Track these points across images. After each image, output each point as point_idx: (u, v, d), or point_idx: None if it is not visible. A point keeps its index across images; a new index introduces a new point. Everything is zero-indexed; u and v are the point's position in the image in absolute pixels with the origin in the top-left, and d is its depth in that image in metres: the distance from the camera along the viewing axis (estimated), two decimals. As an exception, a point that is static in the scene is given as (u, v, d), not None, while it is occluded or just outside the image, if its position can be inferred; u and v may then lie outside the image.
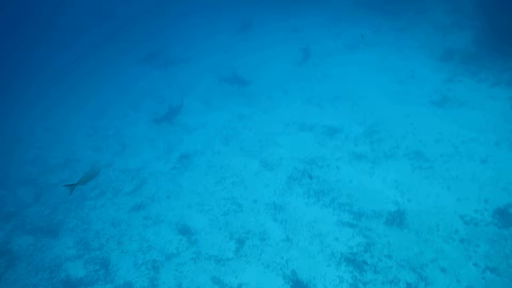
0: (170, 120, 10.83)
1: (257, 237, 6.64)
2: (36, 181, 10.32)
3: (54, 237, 7.97)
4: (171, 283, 6.18)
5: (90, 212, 8.50)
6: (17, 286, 6.85)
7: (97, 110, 14.13)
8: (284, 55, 14.31)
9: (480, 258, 5.36)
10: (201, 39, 19.39)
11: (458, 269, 5.27)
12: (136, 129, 11.84)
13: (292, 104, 10.90)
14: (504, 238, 5.58)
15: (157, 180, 8.99)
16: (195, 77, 14.66)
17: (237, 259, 6.30)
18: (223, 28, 19.45)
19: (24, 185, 10.28)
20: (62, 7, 27.42)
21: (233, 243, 6.64)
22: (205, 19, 21.92)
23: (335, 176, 7.67)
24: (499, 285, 4.99)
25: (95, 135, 12.44)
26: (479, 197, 6.36)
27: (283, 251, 6.22)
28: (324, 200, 7.11)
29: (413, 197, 6.70)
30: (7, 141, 13.55)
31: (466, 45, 11.70)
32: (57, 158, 11.39)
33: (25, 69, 21.63)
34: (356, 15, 16.63)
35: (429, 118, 8.79)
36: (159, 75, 15.85)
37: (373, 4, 16.81)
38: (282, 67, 13.59)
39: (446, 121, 8.56)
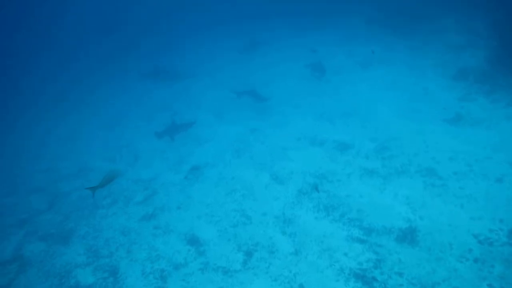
0: (172, 136, 11.05)
1: (265, 249, 6.60)
2: (49, 189, 10.50)
3: (65, 244, 8.05)
4: (178, 293, 6.15)
5: (102, 220, 8.58)
6: (27, 291, 6.91)
7: (109, 122, 14.41)
8: (295, 71, 14.49)
9: (495, 279, 5.20)
10: (209, 54, 19.81)
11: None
12: (148, 141, 12.02)
13: (304, 119, 10.97)
14: (520, 259, 5.42)
15: (168, 190, 9.07)
16: (206, 91, 14.91)
17: (244, 271, 6.25)
18: (231, 45, 19.84)
19: (37, 193, 10.46)
20: (68, 20, 28.40)
21: (241, 255, 6.60)
22: (214, 35, 22.43)
23: (345, 191, 7.62)
24: (514, 307, 4.83)
25: (107, 145, 12.65)
26: (494, 217, 6.23)
27: (291, 265, 6.16)
28: (334, 214, 7.05)
29: (425, 214, 6.60)
30: (18, 151, 13.90)
31: (480, 64, 11.68)
32: (70, 168, 11.60)
33: (33, 79, 22.29)
34: (368, 34, 16.84)
35: (442, 135, 8.73)
36: (170, 89, 16.18)
37: (385, 24, 17.03)
38: (293, 83, 13.75)
39: (460, 139, 8.48)
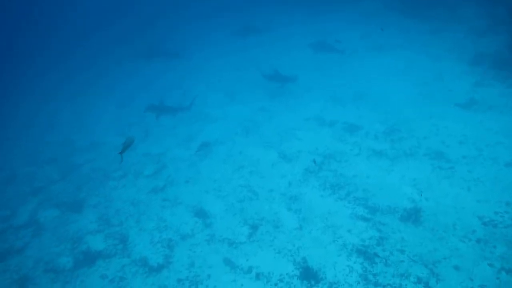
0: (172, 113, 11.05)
1: (270, 224, 6.74)
2: (63, 161, 10.82)
3: (77, 212, 8.35)
4: (184, 261, 6.37)
5: (112, 192, 8.84)
6: (42, 253, 7.24)
7: (122, 100, 14.58)
8: (308, 54, 14.34)
9: (496, 259, 5.24)
10: (219, 37, 19.63)
11: (472, 268, 5.18)
12: (160, 118, 12.15)
13: (314, 101, 10.93)
14: (524, 241, 5.43)
15: (177, 165, 9.25)
16: (218, 72, 14.92)
17: (249, 243, 6.41)
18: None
19: (52, 164, 10.80)
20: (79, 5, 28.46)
21: (247, 228, 6.76)
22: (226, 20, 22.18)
23: (352, 171, 7.66)
24: (514, 287, 4.88)
25: (119, 122, 12.86)
26: (500, 200, 6.21)
27: (295, 239, 6.29)
28: (339, 193, 7.12)
29: (431, 196, 6.61)
30: (34, 122, 14.25)
31: (499, 50, 11.38)
32: (83, 141, 11.89)
33: (51, 55, 22.56)
34: (385, 18, 16.44)
35: (453, 120, 8.62)
36: (181, 69, 16.21)
37: (403, 8, 16.59)
38: (305, 65, 13.63)
39: (472, 123, 8.37)
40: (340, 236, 6.16)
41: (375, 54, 13.40)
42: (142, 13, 26.49)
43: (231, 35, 17.96)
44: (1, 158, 11.65)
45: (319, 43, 14.19)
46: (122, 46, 21.44)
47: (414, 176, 7.18)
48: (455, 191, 6.60)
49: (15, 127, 14.16)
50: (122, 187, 8.91)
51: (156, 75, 16.35)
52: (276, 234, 6.49)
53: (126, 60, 18.91)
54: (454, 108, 9.15)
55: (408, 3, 16.71)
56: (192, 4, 25.44)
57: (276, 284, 5.61)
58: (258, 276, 5.79)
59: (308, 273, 5.65)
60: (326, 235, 6.24)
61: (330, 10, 19.21)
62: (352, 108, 10.10)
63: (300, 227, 6.52)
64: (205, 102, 12.26)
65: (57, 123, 13.74)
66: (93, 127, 12.67)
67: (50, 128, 13.48)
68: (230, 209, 7.35)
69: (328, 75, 12.54)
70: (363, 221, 6.37)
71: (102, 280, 6.43)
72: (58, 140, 12.26)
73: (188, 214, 7.50)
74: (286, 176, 7.91)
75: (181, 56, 16.77)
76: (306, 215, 6.75)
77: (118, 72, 18.13)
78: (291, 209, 6.98)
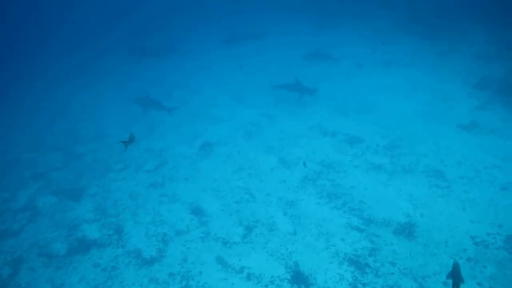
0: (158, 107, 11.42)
1: (265, 227, 6.81)
2: (66, 149, 10.95)
3: (76, 200, 8.44)
4: (177, 256, 6.44)
5: (112, 183, 8.94)
6: (37, 238, 7.32)
7: (130, 95, 14.69)
8: (314, 64, 14.52)
9: (485, 278, 5.30)
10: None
11: (462, 286, 5.22)
12: (166, 115, 12.29)
13: (318, 110, 11.06)
14: (514, 264, 5.49)
15: (178, 162, 9.35)
16: (226, 73, 15.09)
17: (243, 244, 6.49)
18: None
19: (55, 151, 10.93)
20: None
21: (242, 229, 6.84)
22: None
23: (350, 182, 7.75)
24: (501, 308, 4.93)
25: (125, 115, 12.99)
26: (493, 222, 6.28)
27: (288, 243, 6.36)
28: (336, 202, 7.20)
29: (426, 213, 6.69)
30: (42, 108, 14.41)
31: (505, 76, 11.50)
32: (88, 131, 12.03)
33: (62, 47, 22.81)
34: (395, 37, 16.64)
35: (454, 140, 8.72)
36: (190, 68, 16.42)
37: (412, 28, 16.82)
38: (313, 74, 13.79)
39: (471, 145, 8.47)
40: (333, 244, 6.23)
41: (383, 70, 13.56)
42: (154, 11, 26.83)
43: (244, 38, 18.19)
44: (6, 142, 11.79)
45: (327, 55, 14.40)
46: (136, 42, 21.70)
47: (411, 192, 7.26)
48: (450, 209, 6.67)
49: (23, 112, 14.32)
50: (122, 180, 9.01)
51: (165, 73, 16.53)
52: (270, 237, 6.56)
53: (138, 56, 19.12)
54: (455, 129, 9.25)
55: (418, 24, 16.95)
56: (206, 6, 25.87)
57: (266, 286, 5.67)
58: (249, 277, 5.85)
59: (298, 278, 5.71)
60: (319, 242, 6.31)
61: (340, 25, 19.44)
62: (356, 121, 10.22)
63: (294, 232, 6.59)
64: (212, 103, 12.40)
65: (64, 111, 13.90)
66: (99, 118, 12.82)
67: (58, 115, 13.63)
68: (226, 209, 7.44)
69: (335, 86, 12.67)
70: (357, 231, 6.44)
71: (94, 268, 6.51)
72: (64, 128, 12.41)
73: (185, 211, 7.59)
74: (284, 182, 8.00)
75: (190, 56, 17.00)
76: (301, 221, 6.83)
77: (130, 66, 18.32)
78: (287, 214, 7.06)
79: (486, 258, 5.61)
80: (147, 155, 9.93)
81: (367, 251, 6.03)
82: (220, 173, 8.60)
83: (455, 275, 4.45)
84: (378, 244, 6.13)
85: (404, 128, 9.45)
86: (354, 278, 5.59)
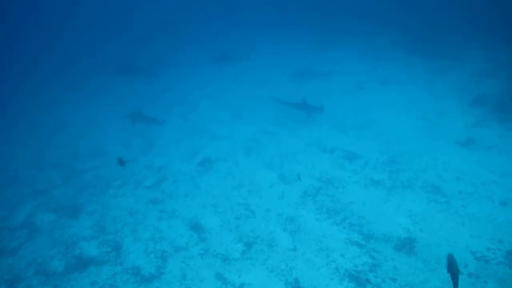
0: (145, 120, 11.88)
1: (265, 243, 6.78)
2: (66, 165, 10.96)
3: (74, 217, 8.41)
4: (177, 273, 6.38)
5: (111, 200, 8.93)
6: (35, 255, 7.25)
7: (130, 111, 14.81)
8: (311, 81, 14.75)
9: (487, 294, 5.27)
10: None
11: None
12: (165, 131, 12.40)
13: (317, 127, 11.16)
14: (515, 279, 5.46)
15: (177, 178, 9.37)
16: (225, 91, 15.27)
17: (243, 260, 6.44)
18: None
19: (55, 168, 10.93)
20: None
21: (241, 245, 6.81)
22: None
23: (349, 197, 7.76)
24: (503, 324, 4.88)
25: (125, 131, 13.05)
26: (493, 237, 6.28)
27: (288, 259, 6.32)
28: (335, 218, 7.20)
29: (425, 228, 6.69)
30: (42, 124, 14.46)
31: (500, 94, 11.69)
32: (87, 147, 12.06)
33: (61, 56, 23.02)
34: (392, 54, 16.97)
35: (452, 156, 8.79)
36: (190, 85, 16.64)
37: (409, 46, 17.19)
38: (312, 91, 13.98)
39: (469, 161, 8.53)
40: (334, 260, 6.20)
41: (380, 87, 13.77)
42: (146, 29, 27.26)
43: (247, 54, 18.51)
44: (4, 158, 11.79)
45: (327, 72, 14.69)
46: (134, 58, 21.99)
47: (410, 207, 7.27)
48: (450, 224, 6.67)
49: (21, 128, 14.37)
50: (121, 196, 9.00)
51: (164, 89, 16.70)
52: (270, 253, 6.53)
53: (134, 73, 19.33)
54: (453, 145, 9.35)
55: (415, 41, 17.32)
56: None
57: (266, 303, 5.61)
58: (248, 294, 5.79)
59: (299, 294, 5.66)
60: (319, 257, 6.28)
61: (338, 42, 19.82)
62: (354, 137, 10.31)
63: (294, 248, 6.56)
64: (211, 119, 12.52)
65: (63, 127, 13.95)
66: (98, 134, 12.87)
67: (57, 130, 13.68)
68: (226, 225, 7.42)
69: (333, 103, 12.83)
70: (357, 247, 6.42)
71: (92, 286, 6.43)
72: (63, 144, 12.44)
73: (184, 227, 7.56)
74: (283, 198, 8.01)
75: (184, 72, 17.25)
76: (301, 237, 6.81)
77: (127, 83, 18.49)
78: (287, 230, 7.04)
79: (487, 274, 5.58)
80: (147, 172, 9.96)
81: (368, 266, 6.00)
82: (219, 189, 8.61)
83: (452, 268, 4.59)
84: (379, 259, 6.11)
85: (402, 144, 9.53)
86: (355, 294, 5.54)
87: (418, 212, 7.08)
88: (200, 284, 6.08)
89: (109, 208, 8.59)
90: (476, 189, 7.53)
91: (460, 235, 6.39)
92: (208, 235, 7.22)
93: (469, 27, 16.78)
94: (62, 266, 6.91)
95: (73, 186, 9.76)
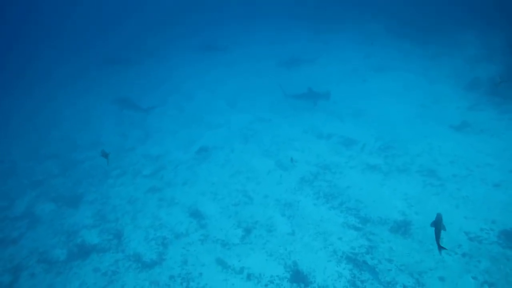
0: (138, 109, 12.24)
1: (264, 228, 6.90)
2: (64, 157, 10.98)
3: (74, 207, 8.47)
4: (177, 259, 6.49)
5: (110, 189, 8.99)
6: (37, 244, 7.33)
7: (127, 103, 14.75)
8: (307, 68, 14.75)
9: (480, 272, 5.43)
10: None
11: (457, 279, 5.36)
12: (162, 121, 12.42)
13: (313, 114, 11.22)
14: (507, 257, 5.62)
15: (175, 167, 9.43)
16: (222, 79, 15.24)
17: (242, 245, 6.56)
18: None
19: (53, 159, 10.95)
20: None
21: (240, 231, 6.92)
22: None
23: (346, 182, 7.88)
24: (496, 300, 5.05)
25: (121, 122, 13.05)
26: (486, 218, 6.42)
27: (287, 243, 6.45)
28: (332, 202, 7.32)
29: (420, 210, 6.83)
30: (39, 117, 14.40)
31: (494, 78, 11.75)
32: (84, 138, 12.07)
33: (61, 49, 22.81)
34: (386, 41, 16.97)
35: (446, 140, 8.91)
36: (189, 74, 16.57)
37: (404, 32, 17.15)
38: (309, 79, 13.99)
39: (464, 145, 8.66)
40: (331, 243, 6.33)
41: (376, 74, 13.81)
42: (150, 18, 27.00)
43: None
44: (3, 151, 11.77)
45: (322, 61, 14.69)
46: (129, 52, 21.82)
47: (405, 191, 7.40)
48: (444, 207, 6.81)
49: (19, 120, 14.30)
50: (120, 185, 9.06)
51: (162, 79, 16.64)
52: (269, 238, 6.65)
53: (133, 62, 19.20)
54: (447, 129, 9.46)
55: (409, 28, 17.28)
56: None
57: (266, 285, 5.74)
58: (249, 277, 5.93)
59: (298, 276, 5.80)
60: (317, 241, 6.41)
61: (334, 30, 19.74)
62: (350, 123, 10.40)
63: (292, 233, 6.69)
64: (208, 109, 12.54)
65: (60, 119, 13.91)
66: (95, 126, 12.86)
67: (54, 123, 13.64)
68: (225, 212, 7.52)
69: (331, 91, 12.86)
70: (354, 230, 6.55)
71: (94, 273, 6.53)
72: (60, 136, 12.43)
73: (184, 214, 7.65)
74: (281, 184, 8.11)
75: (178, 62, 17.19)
76: (299, 222, 6.93)
77: (122, 75, 18.39)
78: (285, 215, 7.16)
79: (480, 253, 5.74)
80: (145, 161, 10.01)
81: (365, 249, 6.14)
82: (218, 177, 8.69)
83: (437, 224, 5.13)
84: (375, 242, 6.25)
85: (398, 130, 9.63)
86: (353, 275, 5.69)
87: (413, 196, 7.21)
88: (201, 269, 6.20)
89: (109, 197, 8.66)
90: (471, 172, 7.66)
91: (455, 217, 6.53)
92: (207, 222, 7.33)
93: (463, 13, 16.75)
94: (65, 255, 7.00)
95: (71, 176, 9.80)
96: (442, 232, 6.21)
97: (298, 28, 20.60)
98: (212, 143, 10.28)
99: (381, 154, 8.75)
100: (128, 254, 6.79)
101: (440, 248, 4.85)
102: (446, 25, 16.41)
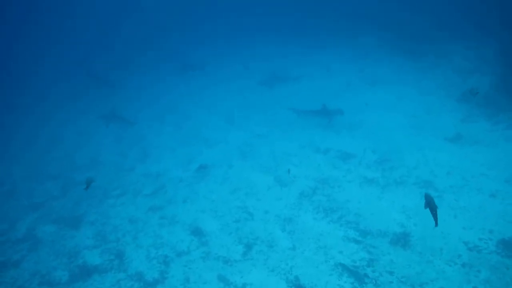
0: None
1: (264, 243, 6.95)
2: (64, 177, 11.02)
3: (75, 228, 8.49)
4: (180, 277, 6.51)
5: (110, 209, 9.03)
6: (38, 267, 7.33)
7: (121, 123, 14.86)
8: (303, 83, 15.03)
9: (480, 282, 5.48)
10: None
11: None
12: (160, 139, 12.55)
13: (311, 129, 11.40)
14: (506, 266, 5.69)
15: (175, 185, 9.51)
16: (219, 99, 15.46)
17: (244, 261, 6.60)
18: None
19: (52, 180, 10.99)
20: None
21: (242, 247, 6.97)
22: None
23: (345, 196, 7.98)
24: (497, 310, 5.09)
25: (120, 142, 13.17)
26: (484, 227, 6.52)
27: (288, 258, 6.49)
28: (332, 216, 7.40)
29: (419, 222, 6.91)
30: (39, 137, 14.48)
31: (485, 89, 12.02)
32: (84, 159, 12.14)
33: (58, 68, 22.99)
34: (379, 54, 17.32)
35: (442, 152, 9.07)
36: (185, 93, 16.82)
37: (396, 44, 17.50)
38: (303, 94, 14.25)
39: (459, 156, 8.81)
40: (332, 257, 6.38)
41: (369, 87, 14.08)
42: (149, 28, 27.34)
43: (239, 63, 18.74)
44: (2, 173, 11.81)
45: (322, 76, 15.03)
46: (123, 70, 22.04)
47: (403, 203, 7.50)
48: (443, 218, 6.88)
49: (17, 142, 14.36)
50: (121, 205, 9.11)
51: (158, 97, 16.86)
52: (270, 253, 6.70)
53: (133, 81, 19.44)
54: (442, 141, 9.63)
55: (401, 39, 17.59)
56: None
57: (268, 301, 5.76)
58: (251, 293, 5.94)
59: (300, 291, 5.83)
60: (318, 255, 6.46)
61: (327, 45, 20.13)
62: (346, 137, 10.57)
63: (293, 247, 6.74)
64: (205, 126, 12.70)
65: (59, 140, 13.99)
66: (94, 145, 12.96)
67: (53, 144, 13.71)
68: (225, 229, 7.57)
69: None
70: (354, 243, 6.62)
71: (96, 294, 6.52)
72: (60, 156, 12.51)
73: (185, 232, 7.70)
74: (281, 199, 8.20)
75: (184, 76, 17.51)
76: (300, 236, 6.99)
77: (122, 94, 18.58)
78: (285, 230, 7.22)
79: (480, 263, 5.81)
80: (145, 180, 10.08)
81: (365, 261, 6.19)
82: (217, 194, 8.77)
83: (430, 204, 5.51)
84: (376, 254, 6.30)
85: (394, 142, 9.79)
86: (354, 288, 5.72)
87: (411, 207, 7.31)
88: (204, 286, 6.22)
89: (109, 217, 8.69)
90: (467, 183, 7.79)
91: (453, 227, 6.62)
92: (208, 239, 7.37)
93: (455, 23, 17.12)
94: (66, 276, 7.00)
95: (72, 197, 9.84)
96: (442, 243, 6.32)
97: (290, 44, 20.99)
98: (211, 160, 10.39)
99: (378, 167, 8.89)
100: (130, 274, 6.80)
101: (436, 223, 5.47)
102: (438, 36, 16.74)
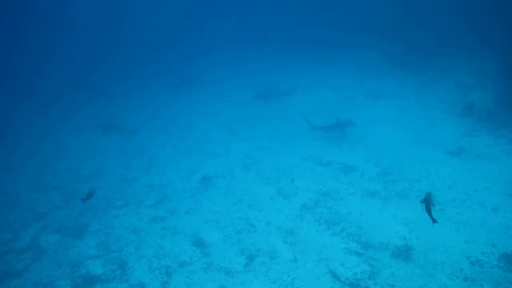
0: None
1: (266, 255, 6.97)
2: (68, 188, 11.11)
3: (78, 238, 8.54)
4: (182, 288, 6.52)
5: (114, 219, 9.08)
6: (41, 276, 7.35)
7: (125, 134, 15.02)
8: (306, 95, 15.19)
9: (483, 296, 5.47)
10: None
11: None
12: (163, 151, 12.68)
13: (312, 141, 11.49)
14: (509, 281, 5.68)
15: (178, 196, 9.58)
16: (220, 111, 15.64)
17: (245, 273, 6.61)
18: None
19: (56, 190, 11.08)
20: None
21: (243, 258, 6.98)
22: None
23: (347, 208, 8.01)
24: (499, 324, 5.06)
25: (124, 153, 13.30)
26: (486, 241, 6.52)
27: (290, 270, 6.50)
28: (334, 228, 7.42)
29: (421, 235, 6.92)
30: (42, 149, 14.64)
31: (486, 104, 12.12)
32: (88, 169, 12.25)
33: (62, 80, 23.30)
34: (381, 68, 17.49)
35: (443, 165, 9.11)
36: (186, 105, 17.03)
37: (397, 58, 17.61)
38: (306, 107, 14.39)
39: (461, 170, 8.85)
40: (334, 269, 6.38)
41: (371, 101, 14.22)
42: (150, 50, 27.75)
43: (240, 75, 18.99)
44: (6, 183, 11.93)
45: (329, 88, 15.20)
46: (127, 82, 22.33)
47: (405, 216, 7.52)
48: (445, 231, 6.91)
49: (21, 153, 14.51)
50: (124, 215, 9.17)
51: (161, 109, 17.06)
52: (272, 265, 6.70)
53: (135, 93, 19.71)
54: (444, 154, 9.69)
55: (403, 53, 17.68)
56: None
57: (270, 313, 5.75)
58: (253, 305, 5.94)
59: (301, 304, 5.82)
60: (320, 267, 6.46)
61: (326, 59, 20.31)
62: (349, 150, 10.64)
63: (295, 259, 6.75)
64: (207, 137, 12.83)
65: (63, 151, 14.14)
66: (98, 157, 13.09)
67: (58, 154, 13.86)
68: (228, 240, 7.60)
69: (327, 119, 13.20)
70: (356, 256, 6.62)
71: (98, 304, 6.53)
72: (64, 167, 12.63)
73: (187, 243, 7.73)
74: (283, 211, 8.24)
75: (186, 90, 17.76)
76: (301, 248, 7.00)
77: (126, 105, 18.84)
78: (287, 242, 7.24)
79: (482, 277, 5.80)
80: (148, 191, 10.16)
81: (367, 274, 6.19)
82: (220, 205, 8.82)
83: (427, 201, 5.72)
84: (377, 267, 6.30)
85: (396, 156, 9.86)
86: (356, 301, 5.71)
87: (413, 220, 7.32)
88: (205, 298, 6.22)
89: (112, 228, 8.74)
90: (469, 196, 7.81)
91: (455, 241, 6.62)
92: (210, 250, 7.39)
93: (456, 36, 17.22)
94: (69, 286, 7.01)
95: (75, 207, 9.90)
96: (444, 256, 6.32)
97: (292, 57, 21.24)
98: (214, 172, 10.48)
99: (380, 180, 8.93)
100: (132, 284, 6.81)
101: (434, 221, 5.60)
102: (439, 50, 16.85)
